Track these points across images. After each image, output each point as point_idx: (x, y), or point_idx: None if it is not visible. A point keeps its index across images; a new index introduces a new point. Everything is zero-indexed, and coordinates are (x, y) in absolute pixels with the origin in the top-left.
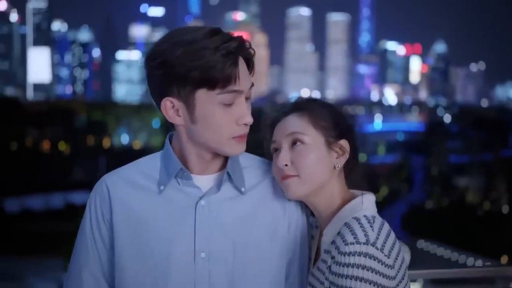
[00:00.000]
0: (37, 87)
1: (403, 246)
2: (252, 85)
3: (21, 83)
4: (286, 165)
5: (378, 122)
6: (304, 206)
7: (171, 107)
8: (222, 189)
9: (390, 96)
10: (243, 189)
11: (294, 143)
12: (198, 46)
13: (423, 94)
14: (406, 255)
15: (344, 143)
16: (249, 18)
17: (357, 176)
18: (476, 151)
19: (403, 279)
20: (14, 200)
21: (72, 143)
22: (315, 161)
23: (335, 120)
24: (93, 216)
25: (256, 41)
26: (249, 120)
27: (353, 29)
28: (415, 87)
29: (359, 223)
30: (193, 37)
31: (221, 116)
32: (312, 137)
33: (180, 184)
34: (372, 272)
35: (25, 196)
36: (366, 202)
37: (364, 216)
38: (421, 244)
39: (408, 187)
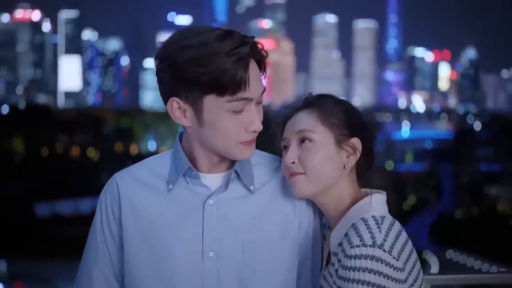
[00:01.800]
0: (68, 94)
1: (432, 257)
2: (264, 90)
3: (53, 91)
4: (294, 162)
5: (405, 130)
6: (316, 206)
7: (177, 108)
8: (230, 188)
9: (418, 103)
10: (252, 188)
11: (302, 140)
12: (208, 50)
13: (452, 101)
14: (434, 265)
15: (355, 141)
16: (275, 25)
17: (370, 175)
18: (508, 159)
19: (416, 282)
20: (44, 204)
21: (100, 150)
22: (323, 160)
23: (348, 117)
24: (103, 214)
25: (282, 48)
26: (258, 127)
27: (380, 35)
28: (444, 94)
29: (366, 224)
30: (204, 39)
31: (230, 123)
32: (321, 134)
33: (188, 183)
34: (379, 275)
35: (55, 201)
36: (376, 202)
37: (372, 216)
38: (451, 254)
39: (437, 196)
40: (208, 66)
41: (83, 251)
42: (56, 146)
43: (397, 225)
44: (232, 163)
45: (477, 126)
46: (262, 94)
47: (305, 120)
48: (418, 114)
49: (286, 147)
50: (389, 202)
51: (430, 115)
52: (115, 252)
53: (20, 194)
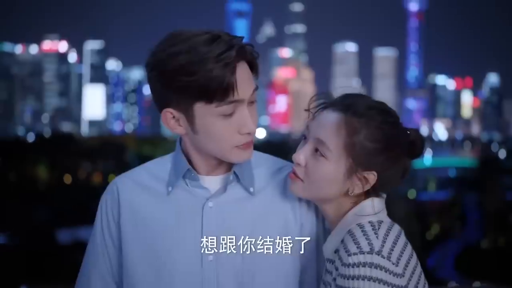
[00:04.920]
0: (92, 123)
1: None
2: (256, 88)
3: (77, 119)
4: (300, 164)
5: (428, 158)
6: (319, 209)
7: (171, 118)
8: (230, 190)
9: (440, 130)
10: (252, 190)
11: (317, 149)
12: (196, 57)
13: (475, 129)
14: None
15: (371, 177)
16: (295, 54)
17: (377, 193)
18: None
19: (417, 287)
20: (66, 231)
21: None
22: (327, 180)
23: (378, 151)
24: (103, 217)
25: (303, 77)
26: (252, 128)
27: (401, 63)
28: (467, 122)
29: (362, 230)
30: (191, 45)
31: (222, 127)
32: (336, 156)
33: (188, 185)
34: (379, 283)
35: (77, 227)
36: (373, 206)
37: (369, 222)
38: (477, 285)
39: (462, 225)
40: (195, 74)
41: (84, 255)
42: (79, 173)
43: (396, 228)
44: (232, 165)
45: (502, 154)
46: (253, 93)
47: (330, 133)
48: (440, 142)
49: (305, 138)
50: (412, 232)
51: (453, 143)
52: (115, 255)
53: (42, 220)
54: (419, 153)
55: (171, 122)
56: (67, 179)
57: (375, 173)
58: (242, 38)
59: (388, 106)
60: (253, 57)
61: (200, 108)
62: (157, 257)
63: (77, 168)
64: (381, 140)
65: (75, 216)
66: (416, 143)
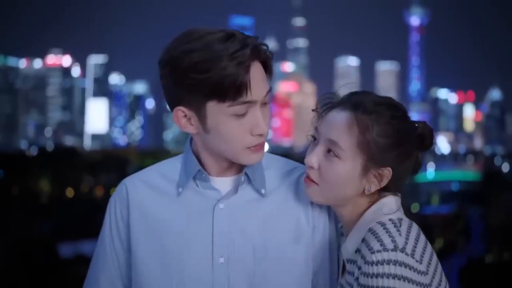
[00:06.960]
0: (95, 136)
1: None
2: (269, 90)
3: (80, 133)
4: (313, 167)
5: (431, 171)
6: (332, 210)
7: (182, 116)
8: (241, 192)
9: (443, 144)
10: (263, 191)
11: (329, 150)
12: (209, 54)
13: (478, 143)
14: None
15: (386, 172)
16: (298, 68)
17: (393, 190)
18: None
19: (440, 285)
20: (68, 244)
21: None
22: (342, 180)
23: (391, 145)
24: (112, 218)
25: (305, 91)
26: (264, 130)
27: (403, 77)
28: (469, 136)
29: (384, 228)
30: (205, 43)
31: (234, 128)
32: (351, 155)
33: (198, 186)
34: (404, 280)
35: (79, 241)
36: (391, 204)
37: (390, 219)
38: None
39: (465, 240)
40: (208, 71)
41: (92, 259)
42: (81, 187)
43: (415, 226)
44: (243, 166)
45: (505, 167)
46: (266, 94)
47: (342, 133)
48: (443, 155)
49: (315, 139)
50: None
51: (456, 157)
52: (123, 257)
53: (44, 234)
54: (429, 145)
55: (182, 121)
56: (70, 192)
57: (389, 168)
58: (256, 37)
59: (395, 100)
60: (267, 57)
61: (213, 107)
62: (167, 258)
63: (79, 182)
64: (392, 135)
65: (77, 230)
66: (425, 136)
